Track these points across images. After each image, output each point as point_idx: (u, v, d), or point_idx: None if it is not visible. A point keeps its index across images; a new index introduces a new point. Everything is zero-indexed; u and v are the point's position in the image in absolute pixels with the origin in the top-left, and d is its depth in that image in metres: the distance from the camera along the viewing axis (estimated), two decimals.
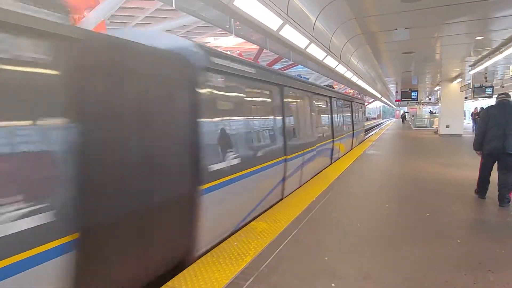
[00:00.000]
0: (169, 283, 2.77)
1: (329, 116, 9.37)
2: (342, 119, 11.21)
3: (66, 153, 2.02)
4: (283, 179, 5.41)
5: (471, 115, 24.53)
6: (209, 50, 3.57)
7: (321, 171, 7.88)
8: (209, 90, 3.47)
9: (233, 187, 3.78)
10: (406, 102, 25.66)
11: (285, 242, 3.65)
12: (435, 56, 11.21)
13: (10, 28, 1.75)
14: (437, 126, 21.14)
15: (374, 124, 40.62)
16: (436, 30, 7.62)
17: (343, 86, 19.25)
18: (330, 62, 8.20)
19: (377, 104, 64.82)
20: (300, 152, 6.12)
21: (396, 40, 8.40)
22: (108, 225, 2.32)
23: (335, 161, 9.46)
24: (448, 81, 17.36)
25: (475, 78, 13.54)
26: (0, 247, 1.67)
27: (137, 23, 9.53)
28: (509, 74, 13.88)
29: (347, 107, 12.60)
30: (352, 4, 5.80)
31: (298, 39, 5.57)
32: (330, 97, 9.53)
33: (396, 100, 31.15)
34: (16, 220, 1.73)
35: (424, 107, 37.53)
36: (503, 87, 19.39)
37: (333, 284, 2.77)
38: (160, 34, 4.47)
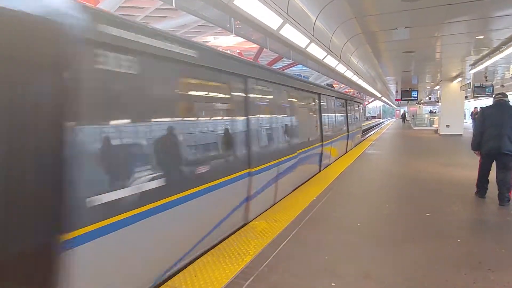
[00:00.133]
0: (169, 283, 2.77)
1: (317, 116, 8.14)
2: (334, 119, 9.97)
3: None
4: (247, 199, 4.24)
5: (471, 115, 24.53)
6: (98, 14, 2.32)
7: (307, 180, 6.79)
8: (96, 76, 2.20)
9: (145, 226, 2.48)
10: (406, 101, 25.64)
11: (285, 242, 3.64)
12: (435, 55, 11.21)
13: None
14: (437, 126, 21.14)
15: (374, 124, 40.66)
16: (436, 29, 7.62)
17: (343, 85, 19.27)
18: (330, 61, 8.19)
19: (377, 104, 64.85)
20: (273, 162, 4.94)
21: (396, 40, 8.40)
22: None
23: (325, 167, 8.38)
24: (448, 81, 17.36)
25: (475, 78, 13.54)
26: None
27: None
28: (509, 73, 13.88)
29: (341, 105, 11.44)
30: (352, 4, 5.80)
31: (298, 38, 5.56)
32: (318, 94, 8.19)
33: (396, 100, 31.15)
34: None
35: (424, 106, 37.52)
36: (503, 86, 19.39)
37: (333, 284, 2.76)
38: None
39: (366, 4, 5.93)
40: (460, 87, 16.73)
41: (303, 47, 6.09)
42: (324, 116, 8.56)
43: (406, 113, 43.44)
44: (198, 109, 3.58)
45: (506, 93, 5.42)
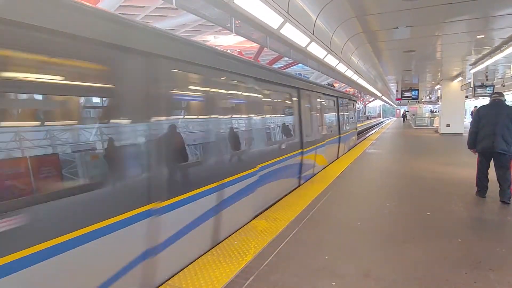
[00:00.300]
0: (170, 282, 2.77)
1: (296, 117, 6.48)
2: (320, 120, 8.25)
3: None
4: (147, 255, 2.60)
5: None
6: None
7: (279, 199, 5.33)
8: None
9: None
10: (407, 101, 25.65)
11: (285, 241, 3.64)
12: (436, 54, 11.20)
13: None
14: (437, 125, 21.12)
15: (374, 123, 40.67)
16: (437, 28, 7.61)
17: (343, 84, 19.27)
18: (331, 60, 8.19)
19: (378, 103, 64.89)
20: (211, 186, 3.39)
21: (396, 39, 8.39)
22: None
23: (308, 179, 6.86)
24: (448, 80, 17.34)
25: (476, 77, 13.54)
26: None
27: None
28: (510, 72, 13.86)
29: (330, 103, 9.94)
30: (352, 3, 5.79)
31: (298, 37, 5.56)
32: (297, 89, 6.55)
33: (396, 99, 31.16)
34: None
35: (424, 106, 37.50)
36: (504, 85, 19.39)
37: (333, 283, 2.76)
38: None
39: (367, 3, 5.92)
40: (461, 86, 16.72)
41: (304, 46, 6.09)
42: (306, 116, 6.95)
43: (407, 112, 43.44)
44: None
45: (503, 93, 5.45)
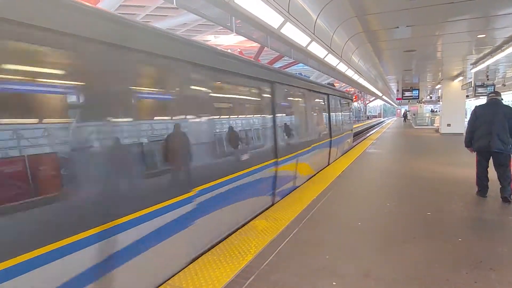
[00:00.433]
0: (170, 281, 2.77)
1: (270, 118, 5.26)
2: (304, 121, 6.99)
3: None
4: None
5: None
6: None
7: (241, 227, 4.12)
8: None
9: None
10: (407, 100, 25.63)
11: (286, 241, 3.64)
12: (437, 54, 11.19)
13: None
14: (438, 125, 21.11)
15: (375, 123, 40.66)
16: (438, 28, 7.60)
17: (344, 84, 19.25)
18: (331, 60, 8.18)
19: (378, 103, 64.86)
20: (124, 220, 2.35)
21: (397, 38, 8.38)
22: None
23: (283, 197, 5.50)
24: (449, 80, 17.33)
25: (477, 77, 13.52)
26: None
27: None
28: (511, 72, 13.85)
29: (319, 102, 8.56)
30: (353, 2, 5.79)
31: (299, 37, 5.56)
32: (272, 83, 5.26)
33: (397, 99, 31.11)
34: None
35: (425, 105, 37.48)
36: (504, 85, 19.34)
37: (334, 283, 2.76)
38: None
39: (367, 3, 5.92)
40: (462, 86, 16.70)
41: (304, 46, 6.09)
42: (283, 117, 5.73)
43: (408, 112, 43.43)
44: None
45: (500, 92, 5.46)
